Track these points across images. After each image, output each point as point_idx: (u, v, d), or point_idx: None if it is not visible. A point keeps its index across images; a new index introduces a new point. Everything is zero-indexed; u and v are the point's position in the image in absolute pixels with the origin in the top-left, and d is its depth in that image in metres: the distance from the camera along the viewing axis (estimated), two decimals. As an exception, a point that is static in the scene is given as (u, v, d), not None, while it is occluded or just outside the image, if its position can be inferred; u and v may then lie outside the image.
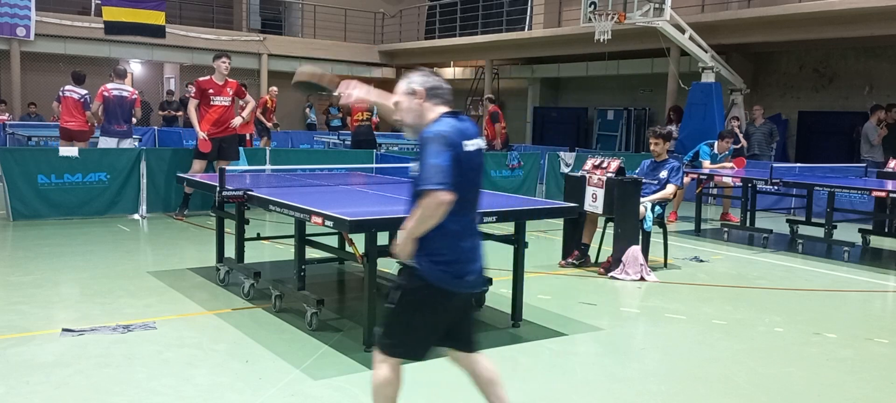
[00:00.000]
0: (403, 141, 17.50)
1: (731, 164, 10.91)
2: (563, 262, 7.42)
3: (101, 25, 18.91)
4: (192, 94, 9.36)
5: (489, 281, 5.64)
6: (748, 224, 9.53)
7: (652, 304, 6.10)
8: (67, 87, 10.68)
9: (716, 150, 11.01)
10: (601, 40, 14.28)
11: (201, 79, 9.34)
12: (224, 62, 9.24)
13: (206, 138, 9.18)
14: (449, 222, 3.01)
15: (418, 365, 4.36)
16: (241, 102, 9.84)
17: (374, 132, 13.70)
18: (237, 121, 9.47)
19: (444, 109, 3.14)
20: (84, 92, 10.72)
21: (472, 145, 3.06)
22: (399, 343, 3.13)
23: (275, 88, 16.49)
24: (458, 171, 2.96)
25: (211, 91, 9.20)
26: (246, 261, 6.12)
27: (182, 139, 16.35)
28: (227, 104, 9.34)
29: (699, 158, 11.04)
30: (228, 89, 9.31)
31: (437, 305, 3.10)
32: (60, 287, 6.08)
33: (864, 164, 11.36)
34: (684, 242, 9.07)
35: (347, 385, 4.02)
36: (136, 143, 10.82)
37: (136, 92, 10.79)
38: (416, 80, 3.15)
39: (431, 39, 23.44)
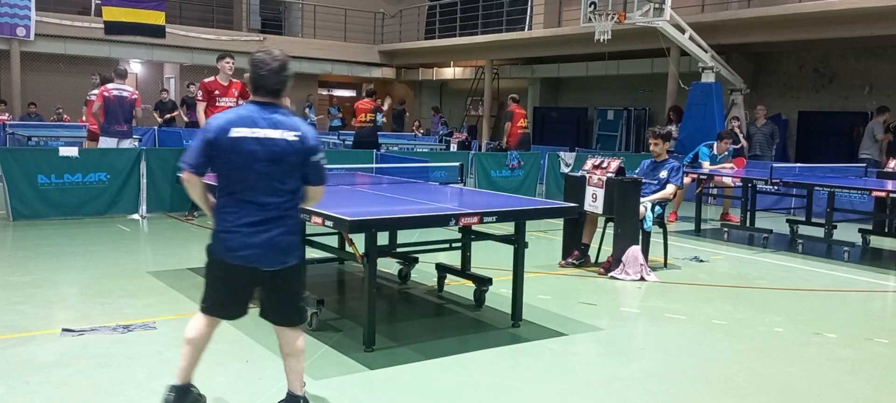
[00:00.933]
0: (403, 141, 17.53)
1: (730, 165, 10.90)
2: (563, 262, 7.42)
3: (101, 25, 18.92)
4: (199, 97, 9.27)
5: (489, 281, 5.67)
6: (748, 224, 9.53)
7: (652, 304, 6.10)
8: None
9: (715, 151, 11.00)
10: (601, 40, 14.28)
11: (206, 80, 9.26)
12: (228, 62, 9.19)
13: None
14: (221, 199, 3.40)
15: (418, 365, 4.37)
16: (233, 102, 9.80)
17: (378, 132, 13.74)
18: None
19: (255, 99, 3.41)
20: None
21: (246, 132, 3.30)
22: (204, 299, 3.51)
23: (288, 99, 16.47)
24: (211, 154, 3.34)
25: (217, 92, 9.14)
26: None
27: (182, 139, 16.34)
28: (232, 104, 9.25)
29: (698, 160, 11.03)
30: (234, 89, 9.25)
31: (218, 272, 3.46)
32: (60, 287, 6.08)
33: (864, 164, 11.35)
34: (684, 242, 9.07)
35: (347, 385, 4.02)
36: (136, 144, 10.81)
37: (136, 92, 10.76)
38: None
39: (431, 39, 23.44)
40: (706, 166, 10.77)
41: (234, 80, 9.32)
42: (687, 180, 9.58)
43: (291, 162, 3.36)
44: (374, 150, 12.15)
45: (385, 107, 13.26)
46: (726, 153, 11.13)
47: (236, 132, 3.31)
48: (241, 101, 9.59)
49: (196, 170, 3.38)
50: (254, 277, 3.43)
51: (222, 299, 3.49)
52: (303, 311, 3.64)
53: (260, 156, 3.31)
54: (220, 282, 3.48)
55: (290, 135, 3.35)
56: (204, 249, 3.53)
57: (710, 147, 11.09)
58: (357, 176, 7.49)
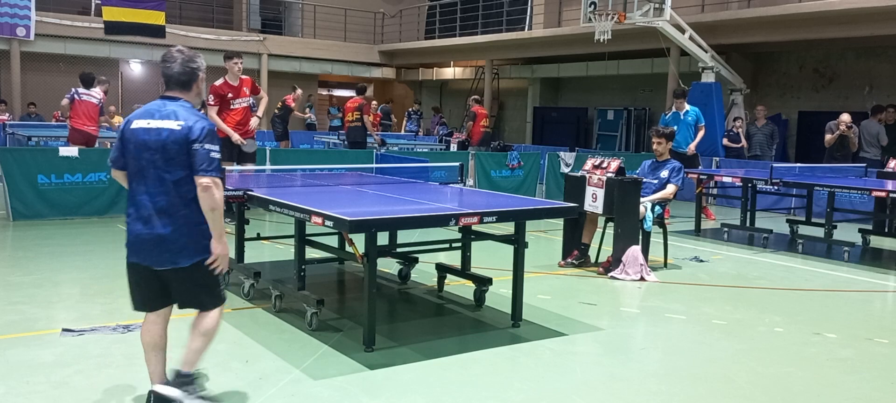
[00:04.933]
0: (403, 140, 17.53)
1: (692, 148, 10.91)
2: (563, 262, 7.42)
3: (101, 25, 18.92)
4: (211, 102, 8.95)
5: (489, 281, 5.66)
6: (748, 224, 9.53)
7: (652, 304, 6.10)
8: (81, 91, 10.76)
9: (675, 108, 11.08)
10: (601, 40, 14.29)
11: (217, 84, 8.97)
12: (237, 63, 8.99)
13: (244, 141, 8.94)
14: (129, 189, 3.50)
15: (418, 365, 4.37)
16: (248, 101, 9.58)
17: (366, 132, 13.54)
18: (254, 122, 9.19)
19: (165, 94, 3.54)
20: (99, 95, 10.85)
21: (141, 123, 3.42)
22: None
23: (299, 90, 16.50)
24: (121, 147, 3.47)
25: (230, 95, 8.91)
26: (246, 261, 6.12)
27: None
28: (246, 104, 9.12)
29: None
30: (245, 88, 9.09)
31: (127, 269, 3.55)
32: (60, 287, 6.08)
33: (864, 164, 11.34)
34: (684, 242, 9.07)
35: (347, 385, 4.02)
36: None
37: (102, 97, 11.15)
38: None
39: (431, 39, 23.44)
40: None
41: (244, 77, 9.13)
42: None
43: (174, 151, 3.35)
44: (372, 151, 12.08)
45: (368, 115, 13.17)
46: (688, 110, 11.12)
47: (136, 124, 3.44)
48: (251, 99, 9.46)
49: (114, 163, 3.52)
50: (153, 273, 3.46)
51: (134, 294, 3.58)
52: (207, 300, 3.55)
53: (148, 146, 3.38)
54: (130, 277, 3.56)
55: (176, 125, 3.37)
56: None
57: (667, 111, 11.16)
58: (357, 176, 7.49)
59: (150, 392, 3.50)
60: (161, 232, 3.37)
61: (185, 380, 3.48)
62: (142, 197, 3.40)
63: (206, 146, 3.35)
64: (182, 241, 3.39)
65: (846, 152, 11.55)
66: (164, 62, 3.52)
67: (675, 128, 10.70)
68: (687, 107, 11.26)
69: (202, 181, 3.33)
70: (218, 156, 3.40)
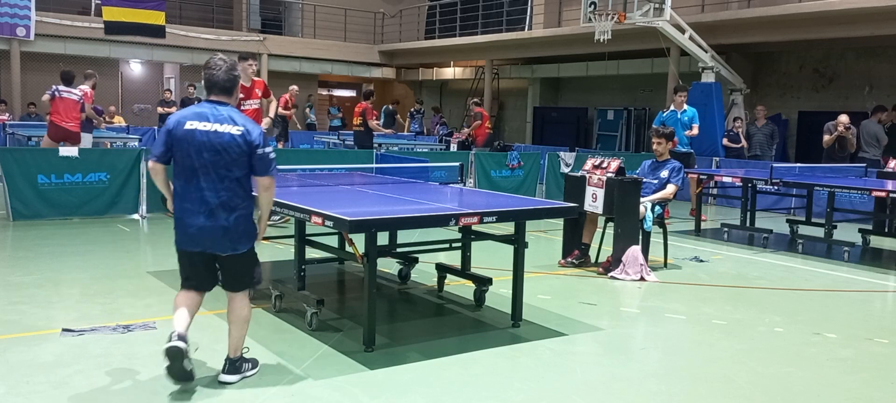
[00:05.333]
0: (403, 140, 17.52)
1: (687, 147, 10.82)
2: (563, 262, 7.42)
3: (101, 25, 18.93)
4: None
5: (489, 281, 5.66)
6: (748, 224, 9.53)
7: (652, 304, 6.10)
8: (61, 88, 10.85)
9: (673, 107, 11.00)
10: (601, 40, 14.29)
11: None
12: (252, 65, 8.87)
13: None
14: (175, 184, 3.87)
15: (418, 365, 4.37)
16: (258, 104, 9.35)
17: (371, 136, 13.53)
18: (266, 122, 9.05)
19: (210, 98, 3.91)
20: (78, 92, 10.91)
21: (198, 125, 3.78)
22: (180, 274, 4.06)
23: (295, 87, 16.50)
24: (169, 145, 3.81)
25: (241, 96, 8.48)
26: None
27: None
28: (257, 106, 8.95)
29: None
30: (257, 90, 8.93)
31: (181, 255, 3.99)
32: (60, 287, 6.08)
33: (864, 164, 11.35)
34: (684, 242, 9.07)
35: (347, 385, 4.02)
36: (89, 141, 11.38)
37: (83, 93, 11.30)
38: (203, 76, 3.97)
39: (431, 39, 23.44)
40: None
41: (256, 79, 9.00)
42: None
43: (233, 153, 3.79)
44: (372, 151, 12.07)
45: (371, 119, 13.21)
46: (686, 110, 11.06)
47: (190, 125, 3.79)
48: (261, 101, 9.20)
49: (159, 158, 3.85)
50: (210, 258, 3.92)
51: (187, 276, 4.01)
52: (249, 281, 4.04)
53: (208, 146, 3.76)
54: (185, 263, 3.99)
55: (235, 130, 3.81)
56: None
57: (665, 109, 11.06)
58: (357, 176, 7.49)
59: (172, 333, 3.77)
60: (224, 224, 3.82)
61: (237, 364, 4.01)
62: (203, 192, 3.80)
63: (266, 149, 3.86)
64: (241, 230, 3.87)
65: (845, 153, 11.55)
66: (208, 69, 3.90)
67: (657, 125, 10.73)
68: (685, 106, 11.23)
69: (264, 181, 3.89)
70: (274, 156, 3.91)
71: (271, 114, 9.45)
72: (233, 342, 4.00)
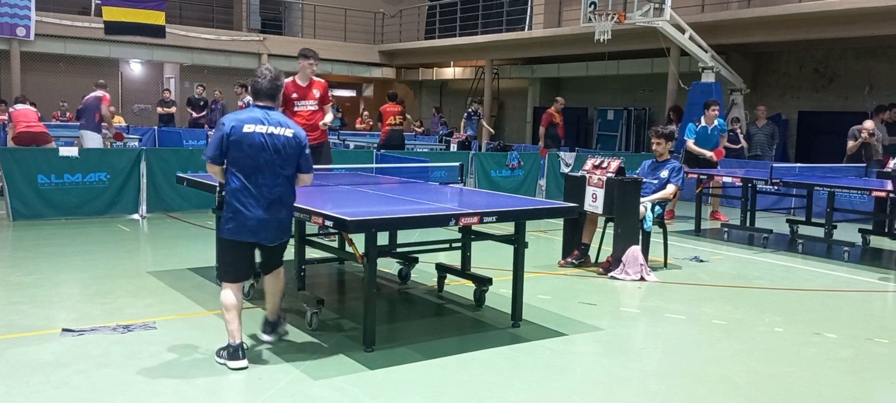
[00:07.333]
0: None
1: (710, 154, 10.77)
2: (563, 262, 7.42)
3: (101, 25, 18.92)
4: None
5: (489, 281, 5.66)
6: (748, 224, 9.52)
7: (652, 304, 6.10)
8: (14, 108, 11.52)
9: (704, 122, 10.84)
10: (601, 40, 14.28)
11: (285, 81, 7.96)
12: (312, 64, 7.84)
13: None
14: (232, 181, 4.21)
15: (418, 365, 4.37)
16: (315, 105, 8.08)
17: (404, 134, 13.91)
18: (329, 117, 8.09)
19: (258, 103, 4.35)
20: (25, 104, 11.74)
21: (256, 128, 4.19)
22: (224, 272, 4.40)
23: None
24: (225, 147, 4.17)
25: (295, 95, 7.76)
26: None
27: (182, 139, 16.36)
28: (313, 108, 7.88)
29: (684, 138, 10.90)
30: (314, 91, 7.88)
31: (232, 247, 4.30)
32: (60, 287, 6.08)
33: (865, 164, 11.35)
34: (684, 242, 9.07)
35: (347, 385, 4.02)
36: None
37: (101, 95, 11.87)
38: (250, 84, 4.54)
39: (431, 39, 23.44)
40: (690, 144, 10.70)
41: (316, 80, 7.98)
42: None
43: (288, 153, 4.25)
44: (372, 151, 12.19)
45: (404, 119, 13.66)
46: (716, 124, 10.95)
47: (248, 128, 4.19)
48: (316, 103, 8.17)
49: (214, 159, 4.22)
50: (254, 248, 4.37)
51: (238, 267, 4.34)
52: (281, 260, 4.59)
53: (266, 147, 4.18)
54: (237, 254, 4.31)
55: (289, 132, 4.28)
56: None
57: (697, 122, 10.91)
58: (357, 176, 7.48)
59: (237, 348, 4.20)
60: (279, 217, 4.28)
61: (277, 324, 4.70)
62: (262, 188, 4.20)
63: (309, 150, 4.39)
64: (288, 222, 4.41)
65: (869, 159, 11.51)
66: (255, 78, 4.37)
67: (691, 137, 10.66)
68: (716, 122, 11.00)
69: (307, 178, 4.41)
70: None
71: (328, 120, 8.04)
72: (274, 307, 4.63)
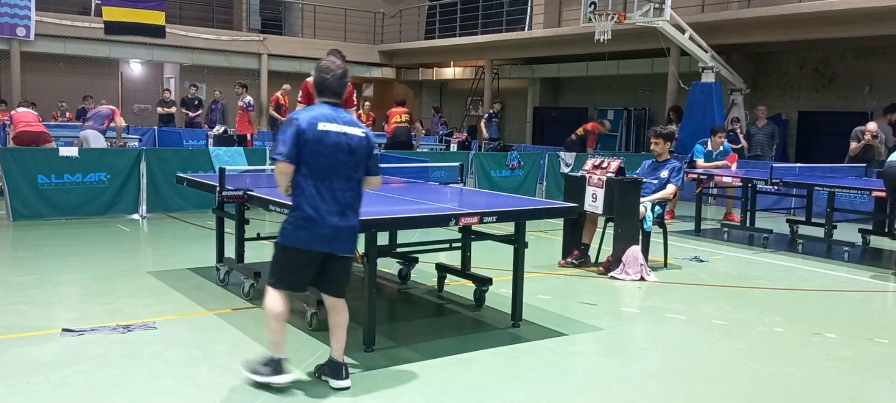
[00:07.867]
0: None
1: (725, 162, 10.86)
2: (563, 262, 7.42)
3: (101, 25, 18.91)
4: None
5: (489, 281, 5.66)
6: (748, 224, 9.52)
7: (652, 304, 6.10)
8: (18, 111, 11.49)
9: (710, 147, 10.96)
10: (601, 40, 14.27)
11: (309, 79, 7.73)
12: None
13: None
14: (304, 185, 3.81)
15: (418, 365, 4.37)
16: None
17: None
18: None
19: (324, 100, 3.96)
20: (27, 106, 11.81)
21: (330, 127, 3.82)
22: (278, 279, 3.95)
23: (288, 86, 16.52)
24: (301, 145, 3.76)
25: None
26: (246, 261, 6.12)
27: (182, 139, 16.36)
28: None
29: (693, 158, 10.99)
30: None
31: (293, 254, 3.89)
32: (60, 287, 6.08)
33: (865, 164, 11.34)
34: (684, 242, 9.07)
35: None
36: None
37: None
38: (310, 79, 4.10)
39: (431, 39, 23.43)
40: (700, 163, 10.74)
41: None
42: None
43: (361, 155, 3.91)
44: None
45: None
46: (722, 148, 11.07)
47: (323, 126, 3.82)
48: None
49: (289, 159, 3.78)
50: (321, 258, 3.89)
51: (301, 278, 3.98)
52: (346, 287, 4.08)
53: (342, 147, 3.83)
54: (303, 264, 3.90)
55: (361, 132, 3.94)
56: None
57: (705, 143, 11.06)
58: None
59: (279, 363, 3.89)
60: (352, 224, 3.93)
61: (343, 367, 3.98)
62: (336, 193, 3.84)
63: (377, 152, 4.09)
64: (357, 231, 4.00)
65: (871, 160, 11.50)
66: (321, 73, 4.00)
67: (700, 158, 10.77)
68: (721, 147, 11.11)
69: (376, 180, 4.07)
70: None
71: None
72: (342, 345, 4.01)
